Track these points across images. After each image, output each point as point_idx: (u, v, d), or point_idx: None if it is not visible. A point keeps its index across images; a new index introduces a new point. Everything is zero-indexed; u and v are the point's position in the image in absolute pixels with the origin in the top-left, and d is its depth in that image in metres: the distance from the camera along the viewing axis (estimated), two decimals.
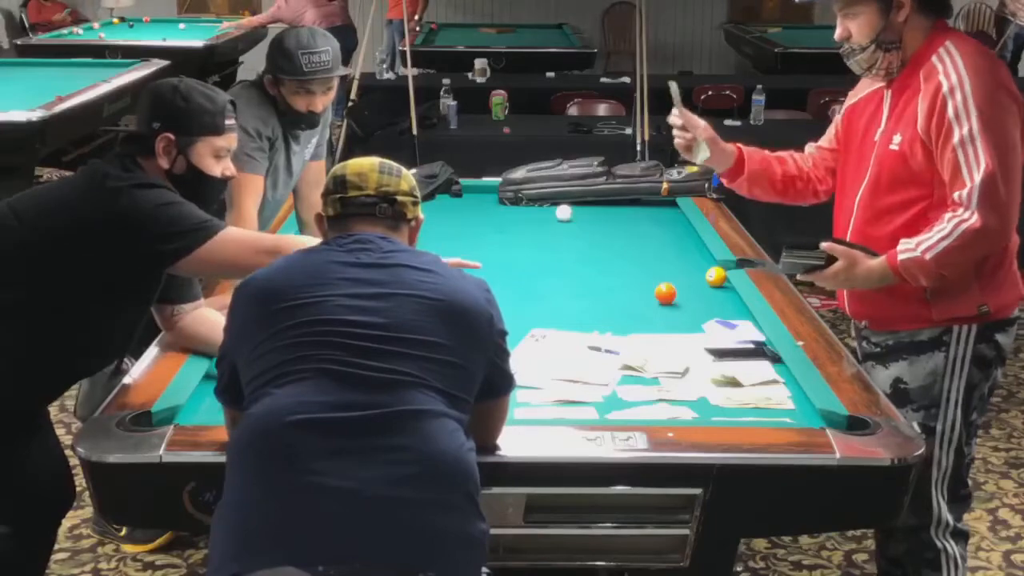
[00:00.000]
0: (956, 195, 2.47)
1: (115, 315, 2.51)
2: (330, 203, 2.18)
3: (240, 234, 2.57)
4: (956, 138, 2.45)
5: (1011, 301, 2.65)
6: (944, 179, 2.50)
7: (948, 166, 2.48)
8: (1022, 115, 2.51)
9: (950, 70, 2.48)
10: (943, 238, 2.47)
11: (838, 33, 2.63)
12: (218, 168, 2.58)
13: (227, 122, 2.59)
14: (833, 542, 3.52)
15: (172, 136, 2.52)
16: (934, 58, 2.52)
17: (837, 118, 2.88)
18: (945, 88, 2.47)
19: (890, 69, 2.60)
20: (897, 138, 2.57)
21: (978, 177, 2.43)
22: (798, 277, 2.74)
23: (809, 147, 2.97)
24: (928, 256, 2.48)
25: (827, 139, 2.92)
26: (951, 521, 2.70)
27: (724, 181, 2.95)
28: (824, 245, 2.59)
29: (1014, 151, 2.48)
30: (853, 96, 2.82)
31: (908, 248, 2.51)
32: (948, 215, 2.48)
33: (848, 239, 2.67)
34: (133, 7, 10.39)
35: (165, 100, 2.55)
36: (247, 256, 2.45)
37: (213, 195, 2.66)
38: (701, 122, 2.83)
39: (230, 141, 2.61)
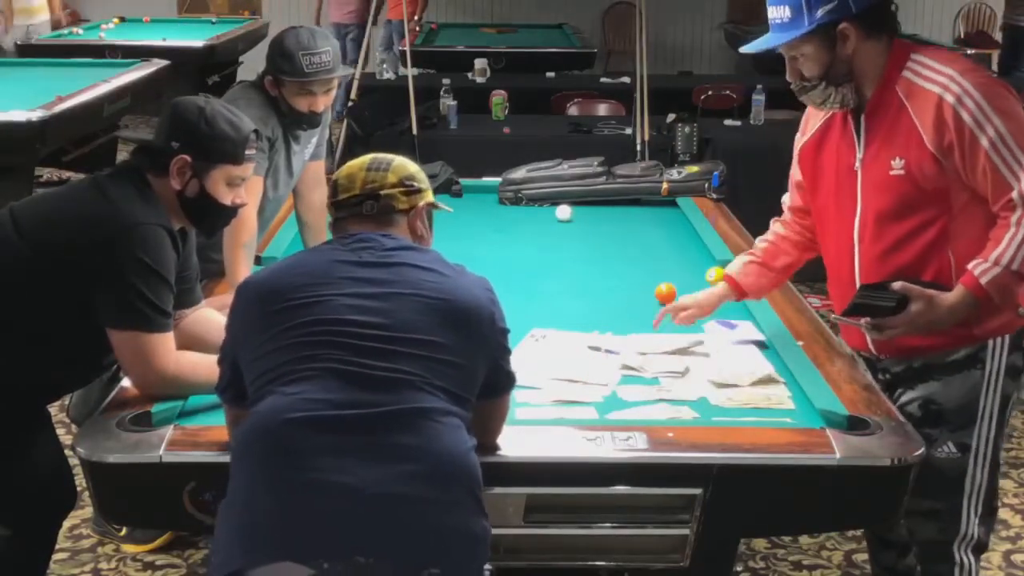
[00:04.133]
0: (1009, 199, 2.32)
1: (102, 332, 2.43)
2: (330, 208, 2.25)
3: (160, 347, 2.39)
4: (985, 143, 2.31)
5: None
6: (980, 190, 2.36)
7: (986, 174, 2.33)
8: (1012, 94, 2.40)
9: (942, 79, 2.36)
10: (1021, 242, 2.31)
11: (789, 75, 2.53)
12: (230, 196, 2.53)
13: (247, 152, 2.53)
14: (833, 542, 3.52)
15: (189, 159, 2.46)
16: (907, 73, 2.42)
17: (794, 168, 2.76)
18: (951, 99, 2.33)
19: (845, 101, 2.48)
20: (898, 162, 2.42)
21: None
22: (862, 323, 2.49)
23: (785, 214, 2.85)
24: (1015, 266, 2.31)
25: (796, 198, 2.80)
26: (977, 535, 2.59)
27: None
28: (897, 285, 2.40)
29: None
30: (802, 137, 2.71)
31: (985, 268, 2.34)
32: (1014, 219, 2.32)
33: (857, 280, 2.52)
34: (133, 7, 10.39)
35: (188, 121, 2.48)
36: (143, 371, 2.38)
37: (220, 222, 2.62)
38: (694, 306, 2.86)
39: (247, 171, 2.56)
